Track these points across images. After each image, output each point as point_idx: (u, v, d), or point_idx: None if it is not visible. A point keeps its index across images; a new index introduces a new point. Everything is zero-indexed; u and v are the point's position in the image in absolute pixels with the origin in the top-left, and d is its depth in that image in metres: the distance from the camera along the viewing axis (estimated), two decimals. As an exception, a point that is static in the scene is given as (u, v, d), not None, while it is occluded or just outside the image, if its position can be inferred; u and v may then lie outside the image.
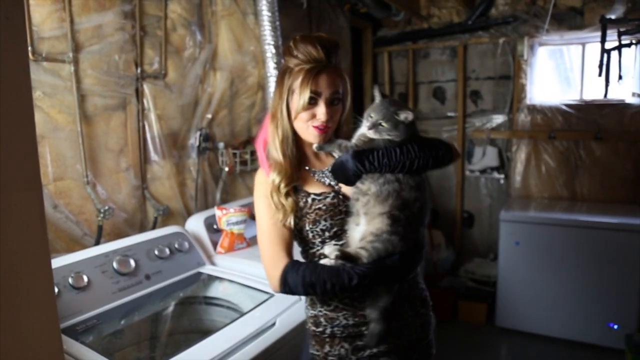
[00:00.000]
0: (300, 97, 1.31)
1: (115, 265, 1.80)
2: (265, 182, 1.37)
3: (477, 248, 4.34)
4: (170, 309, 1.90)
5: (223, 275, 2.04)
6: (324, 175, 1.42)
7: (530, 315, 3.46)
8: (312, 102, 1.32)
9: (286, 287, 1.29)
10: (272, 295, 1.81)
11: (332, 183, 1.40)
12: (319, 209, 1.34)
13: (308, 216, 1.35)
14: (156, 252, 1.96)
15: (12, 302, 0.63)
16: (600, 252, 3.22)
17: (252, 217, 2.42)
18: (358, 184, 1.30)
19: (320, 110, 1.32)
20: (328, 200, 1.35)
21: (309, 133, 1.36)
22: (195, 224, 2.28)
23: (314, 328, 1.42)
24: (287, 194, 1.34)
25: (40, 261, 0.63)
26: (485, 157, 4.14)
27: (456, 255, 4.29)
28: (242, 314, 1.71)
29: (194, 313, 1.96)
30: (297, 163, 1.40)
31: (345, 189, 1.38)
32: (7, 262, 0.61)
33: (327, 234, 1.35)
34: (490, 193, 4.26)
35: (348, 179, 1.31)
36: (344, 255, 1.24)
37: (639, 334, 3.00)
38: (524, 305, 3.47)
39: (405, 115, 1.26)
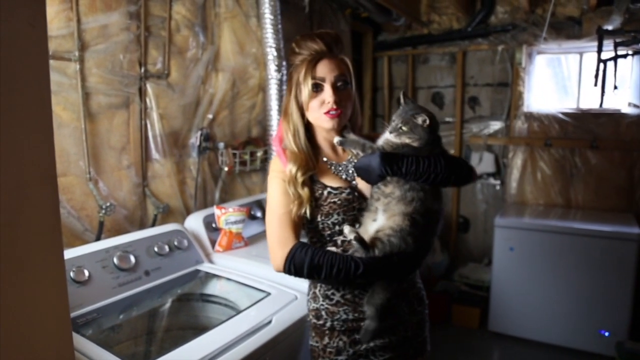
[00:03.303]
0: (305, 87, 1.37)
1: (115, 260, 1.83)
2: (282, 170, 1.42)
3: (471, 253, 4.38)
4: (168, 305, 1.93)
5: (220, 273, 2.07)
6: (341, 169, 1.47)
7: (522, 321, 3.50)
8: (318, 89, 1.38)
9: (291, 266, 1.31)
10: (268, 294, 1.84)
11: (349, 178, 1.45)
12: (334, 202, 1.38)
13: (322, 208, 1.39)
14: (156, 249, 1.99)
15: (26, 292, 0.66)
16: (593, 260, 3.26)
17: (250, 217, 2.46)
18: (381, 185, 1.33)
19: (327, 94, 1.36)
20: (344, 195, 1.39)
21: (322, 120, 1.39)
22: (195, 223, 2.31)
23: (315, 320, 1.47)
24: (303, 184, 1.38)
25: (53, 253, 0.67)
26: (481, 163, 4.17)
27: (451, 260, 4.33)
28: (239, 312, 1.74)
29: (191, 310, 1.98)
30: (312, 154, 1.44)
31: (362, 186, 1.42)
32: (22, 254, 0.64)
33: (337, 227, 1.40)
34: (486, 199, 4.29)
35: (372, 179, 1.34)
36: (360, 239, 1.27)
37: (629, 342, 3.03)
38: (517, 311, 3.51)
39: (422, 119, 1.30)
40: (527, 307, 3.47)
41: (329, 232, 1.42)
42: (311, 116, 1.41)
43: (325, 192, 1.40)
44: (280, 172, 1.42)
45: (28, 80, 0.61)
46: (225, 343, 1.50)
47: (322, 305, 1.45)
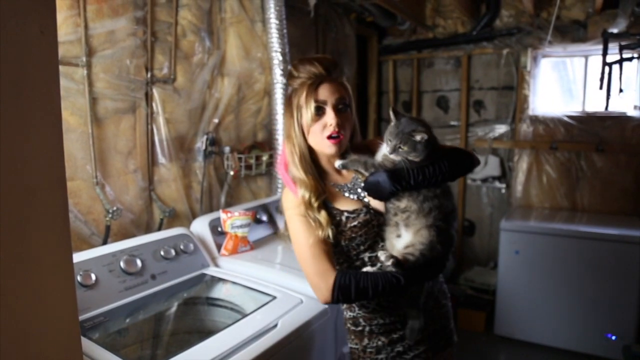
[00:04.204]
0: (307, 110, 1.37)
1: (122, 264, 1.83)
2: (296, 203, 1.42)
3: (477, 256, 4.37)
4: (174, 308, 1.94)
5: (226, 277, 2.07)
6: (350, 189, 1.48)
7: (528, 324, 3.49)
8: (320, 112, 1.38)
9: (339, 295, 1.32)
10: (274, 298, 1.84)
11: (360, 197, 1.46)
12: (354, 226, 1.41)
13: (344, 234, 1.41)
14: (162, 253, 2.00)
15: (35, 295, 0.67)
16: (599, 263, 3.25)
17: (256, 220, 2.47)
18: (394, 200, 1.36)
19: (329, 116, 1.37)
20: (362, 216, 1.41)
21: (324, 145, 1.41)
22: (200, 226, 2.32)
23: (353, 328, 1.53)
24: (319, 208, 1.39)
25: (63, 257, 0.68)
26: (487, 167, 4.17)
27: (456, 263, 4.32)
28: (244, 315, 1.74)
29: (197, 313, 1.99)
30: (319, 178, 1.45)
31: (375, 203, 1.44)
32: (32, 257, 0.65)
33: (362, 247, 1.44)
34: (491, 202, 4.29)
35: (384, 197, 1.36)
36: (397, 262, 1.30)
37: (636, 345, 3.01)
38: (523, 314, 3.50)
39: (420, 137, 1.30)
40: (533, 310, 3.46)
41: (354, 252, 1.45)
42: (312, 140, 1.42)
43: (344, 218, 1.41)
44: (296, 207, 1.42)
45: (39, 85, 0.62)
46: (231, 347, 1.51)
47: (358, 313, 1.50)
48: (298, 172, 1.43)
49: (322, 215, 1.39)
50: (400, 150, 1.32)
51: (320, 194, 1.41)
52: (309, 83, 1.39)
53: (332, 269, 1.36)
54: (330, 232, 1.38)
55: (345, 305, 1.55)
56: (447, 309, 1.60)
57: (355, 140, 1.51)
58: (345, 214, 1.42)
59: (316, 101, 1.37)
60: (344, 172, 1.51)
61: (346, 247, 1.44)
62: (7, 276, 0.63)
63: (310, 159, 1.45)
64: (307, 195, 1.39)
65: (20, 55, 0.60)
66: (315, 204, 1.39)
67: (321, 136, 1.39)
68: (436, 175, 1.33)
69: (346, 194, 1.47)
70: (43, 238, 0.67)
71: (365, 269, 1.37)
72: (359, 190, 1.47)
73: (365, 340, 1.50)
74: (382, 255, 1.32)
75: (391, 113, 1.39)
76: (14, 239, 0.64)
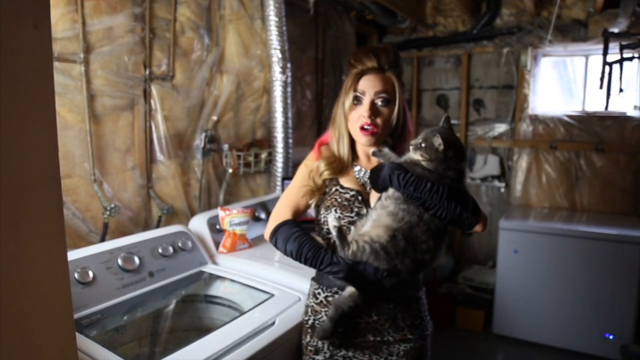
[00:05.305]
0: (347, 98, 1.42)
1: (120, 262, 1.83)
2: (312, 160, 1.53)
3: (476, 255, 4.37)
4: (172, 306, 1.94)
5: (224, 275, 2.07)
6: (363, 174, 1.50)
7: (527, 323, 3.49)
8: (357, 102, 1.42)
9: (274, 238, 1.45)
10: (272, 295, 1.84)
11: (367, 187, 1.48)
12: (335, 199, 1.45)
13: (325, 201, 1.47)
14: (160, 250, 1.99)
15: (29, 293, 0.67)
16: (598, 263, 3.25)
17: (254, 218, 2.46)
18: (383, 197, 1.35)
19: (363, 108, 1.40)
20: (346, 195, 1.45)
21: (357, 134, 1.44)
22: (199, 224, 2.32)
23: (304, 316, 1.55)
24: (323, 180, 1.49)
25: (57, 254, 0.68)
26: (486, 166, 4.17)
27: (455, 262, 4.32)
28: (242, 313, 1.74)
29: (195, 311, 1.99)
30: (349, 162, 1.50)
31: (372, 197, 1.45)
32: (26, 255, 0.65)
33: None
34: (490, 201, 4.28)
35: (376, 184, 1.37)
36: (340, 231, 1.33)
37: (634, 345, 3.02)
38: (521, 313, 3.50)
39: (438, 142, 1.26)
40: (531, 309, 3.46)
41: (326, 227, 1.45)
42: (351, 128, 1.46)
43: (334, 189, 1.47)
44: (311, 161, 1.53)
45: (32, 81, 0.61)
46: (229, 344, 1.51)
47: (310, 302, 1.53)
48: (332, 148, 1.51)
49: (318, 190, 1.49)
50: (419, 145, 1.31)
51: (333, 173, 1.48)
52: (355, 72, 1.43)
53: (289, 217, 1.47)
54: (313, 203, 1.50)
55: (307, 292, 1.58)
56: (414, 346, 1.46)
57: (402, 135, 1.50)
58: (338, 186, 1.47)
59: (355, 91, 1.42)
60: (374, 161, 1.50)
61: (323, 218, 1.47)
62: (0, 273, 0.63)
63: (349, 143, 1.49)
64: (322, 167, 1.49)
65: (13, 50, 0.60)
66: (323, 176, 1.48)
67: (356, 125, 1.43)
68: (426, 198, 1.27)
69: (356, 175, 1.50)
70: (37, 235, 0.66)
71: (315, 236, 1.43)
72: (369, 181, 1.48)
73: (308, 337, 1.51)
74: (330, 217, 1.39)
75: (443, 119, 1.39)
76: (7, 236, 0.63)
